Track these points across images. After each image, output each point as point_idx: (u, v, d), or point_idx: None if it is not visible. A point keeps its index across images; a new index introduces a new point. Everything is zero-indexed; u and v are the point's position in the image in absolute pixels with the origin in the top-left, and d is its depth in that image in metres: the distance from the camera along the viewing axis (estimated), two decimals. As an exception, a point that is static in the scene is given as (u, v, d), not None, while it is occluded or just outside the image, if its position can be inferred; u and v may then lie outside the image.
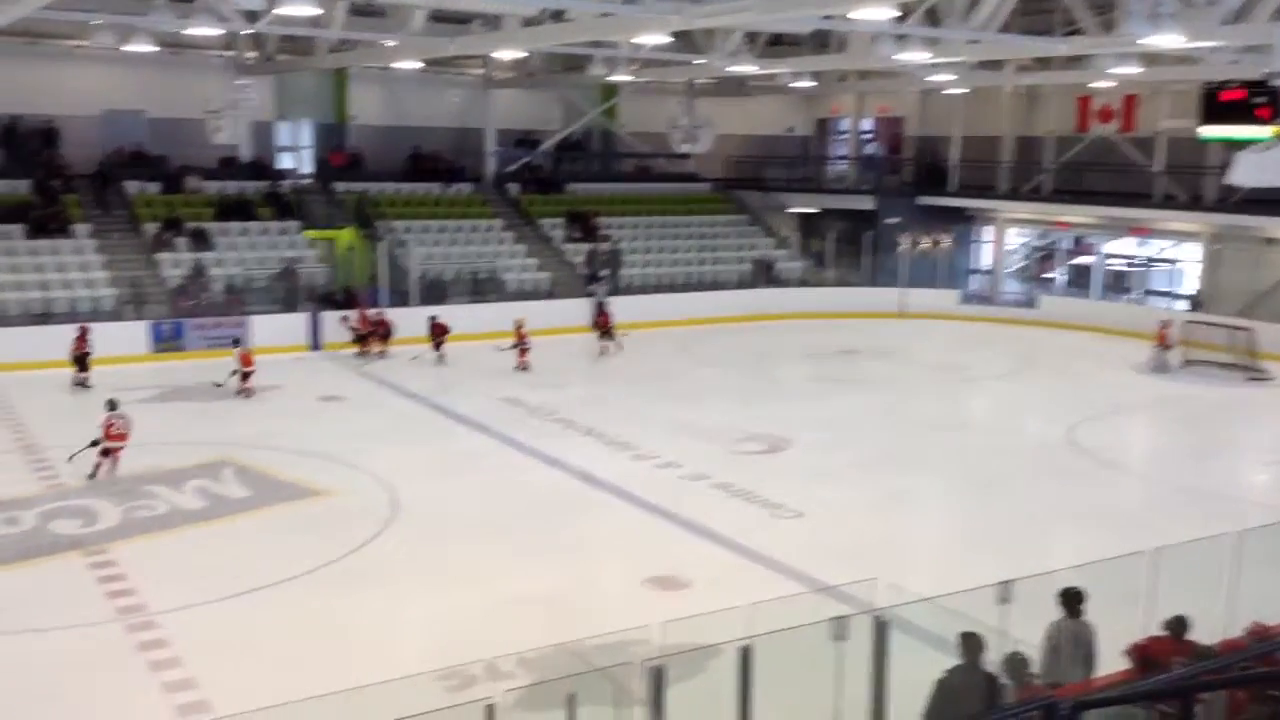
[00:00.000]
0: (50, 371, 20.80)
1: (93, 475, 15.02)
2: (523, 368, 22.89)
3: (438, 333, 23.87)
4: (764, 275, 31.89)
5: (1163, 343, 24.55)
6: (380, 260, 26.74)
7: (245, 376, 20.13)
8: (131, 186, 27.66)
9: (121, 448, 15.27)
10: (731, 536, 13.35)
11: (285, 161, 32.59)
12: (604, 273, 29.00)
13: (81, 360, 20.64)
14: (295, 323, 24.80)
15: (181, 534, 13.34)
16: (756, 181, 36.37)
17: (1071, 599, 7.78)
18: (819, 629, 6.78)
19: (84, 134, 28.52)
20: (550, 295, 28.64)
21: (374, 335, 24.53)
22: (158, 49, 23.48)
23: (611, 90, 35.09)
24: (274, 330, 24.20)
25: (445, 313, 24.88)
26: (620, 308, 27.77)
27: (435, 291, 27.23)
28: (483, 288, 28.26)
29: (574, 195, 33.33)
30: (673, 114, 31.18)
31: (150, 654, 10.11)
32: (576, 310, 27.51)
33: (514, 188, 32.83)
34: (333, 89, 33.00)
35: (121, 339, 22.72)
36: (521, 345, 23.08)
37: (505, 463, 16.70)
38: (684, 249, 32.25)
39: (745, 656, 6.85)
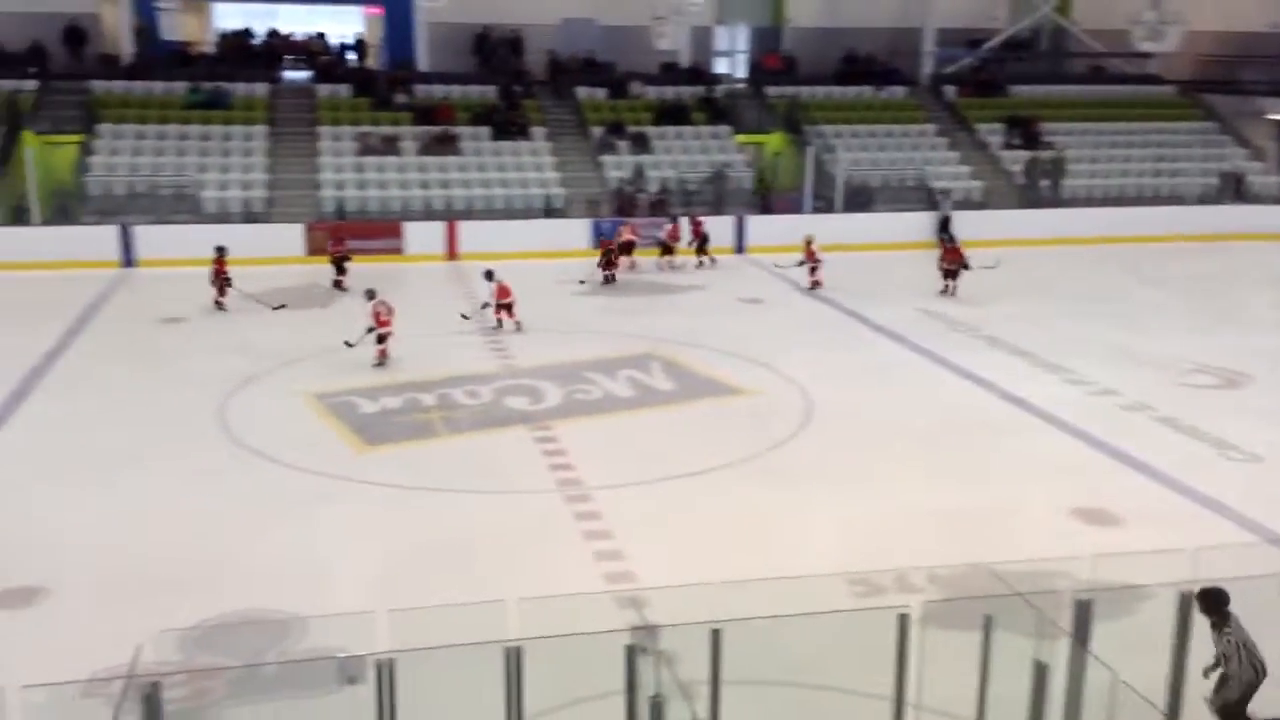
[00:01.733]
0: (503, 262, 22.91)
1: (379, 363, 16.01)
2: (815, 285, 21.59)
3: (698, 235, 23.43)
4: (1232, 190, 28.47)
5: None
6: (806, 166, 26.77)
7: (504, 309, 18.29)
8: (581, 92, 29.51)
9: (390, 332, 16.13)
10: (1172, 474, 12.24)
11: (721, 66, 33.31)
12: (947, 190, 26.81)
13: (339, 262, 21.14)
14: (722, 225, 25.47)
15: (614, 419, 14.32)
16: (1229, 84, 32.27)
17: None
18: (1270, 583, 6.05)
19: (543, 42, 30.78)
20: (982, 205, 27.36)
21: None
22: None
23: (1067, -17, 32.46)
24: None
25: (869, 220, 24.54)
26: (1060, 221, 26.08)
27: (860, 198, 26.90)
28: (909, 196, 27.51)
29: (1016, 99, 31.39)
30: (1136, 8, 28.30)
31: (585, 524, 11.00)
32: (1011, 221, 26.12)
33: (950, 90, 31.46)
34: (771, -9, 33.16)
35: (565, 235, 24.54)
36: (812, 263, 21.58)
37: (923, 375, 16.33)
38: (1138, 159, 29.48)
39: (1184, 603, 6.29)
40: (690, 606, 7.19)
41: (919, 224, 26.12)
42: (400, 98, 27.90)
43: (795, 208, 26.64)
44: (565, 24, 31.41)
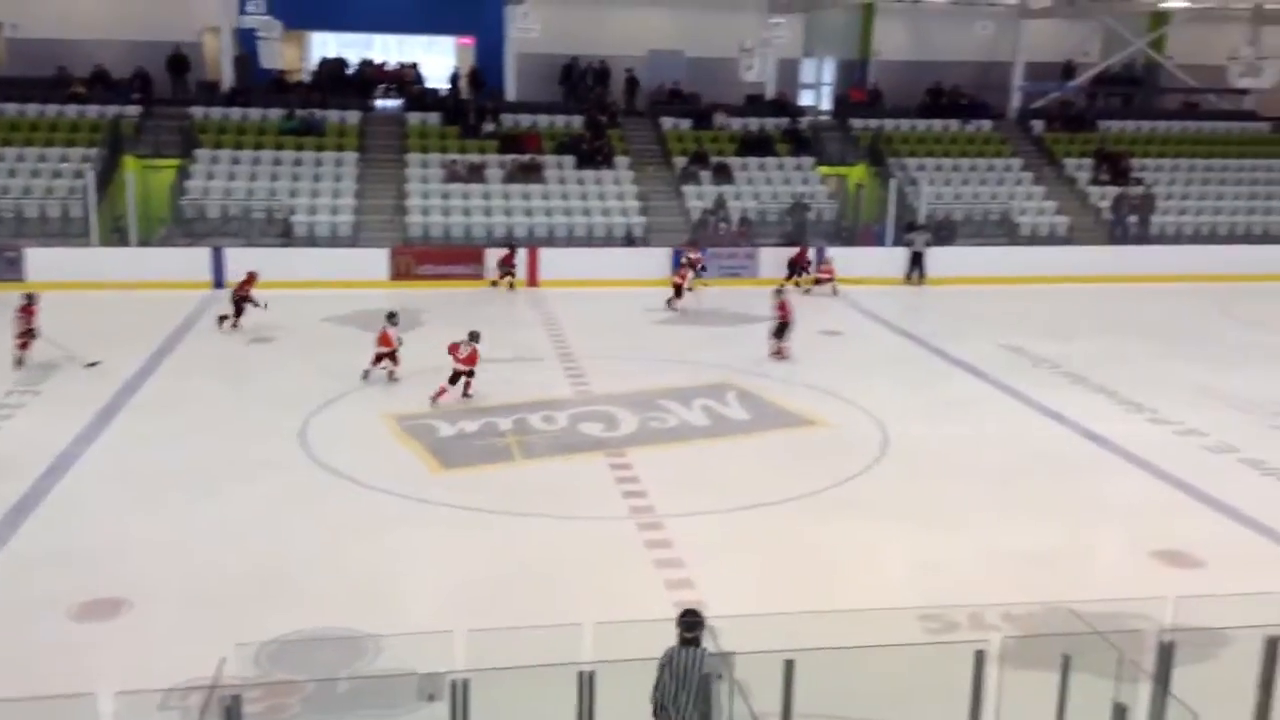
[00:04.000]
0: (586, 290, 23.14)
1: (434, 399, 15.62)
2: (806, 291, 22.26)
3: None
4: (1328, 229, 27.67)
5: None
6: (889, 198, 26.63)
7: (388, 357, 16.84)
8: (666, 122, 29.78)
9: (467, 370, 15.81)
10: (1259, 518, 11.91)
11: (806, 98, 33.36)
12: (922, 223, 26.34)
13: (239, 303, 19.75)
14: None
15: (688, 447, 14.36)
16: (1331, 120, 31.46)
17: None
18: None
19: (632, 74, 31.16)
20: (1067, 241, 26.95)
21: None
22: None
23: (1162, 18, 31.98)
24: (781, 263, 25.05)
25: (950, 254, 24.32)
26: (1148, 258, 25.61)
27: (943, 232, 26.66)
28: (992, 230, 27.20)
29: (1106, 133, 30.90)
30: (1233, 44, 27.75)
31: (656, 552, 11.04)
32: (1096, 258, 25.68)
33: (1038, 125, 31.09)
34: (859, 24, 33.16)
35: (646, 264, 24.72)
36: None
37: (1004, 412, 16.11)
38: (1231, 196, 28.80)
39: (1272, 648, 6.13)
40: (762, 636, 7.18)
41: (1002, 258, 25.78)
42: (488, 126, 28.43)
43: (877, 240, 26.50)
44: (652, 55, 31.77)
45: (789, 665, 5.99)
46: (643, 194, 27.17)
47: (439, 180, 26.70)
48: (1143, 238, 27.16)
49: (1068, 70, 32.94)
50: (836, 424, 15.25)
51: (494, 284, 23.94)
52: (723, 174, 27.74)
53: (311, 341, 19.47)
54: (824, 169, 28.63)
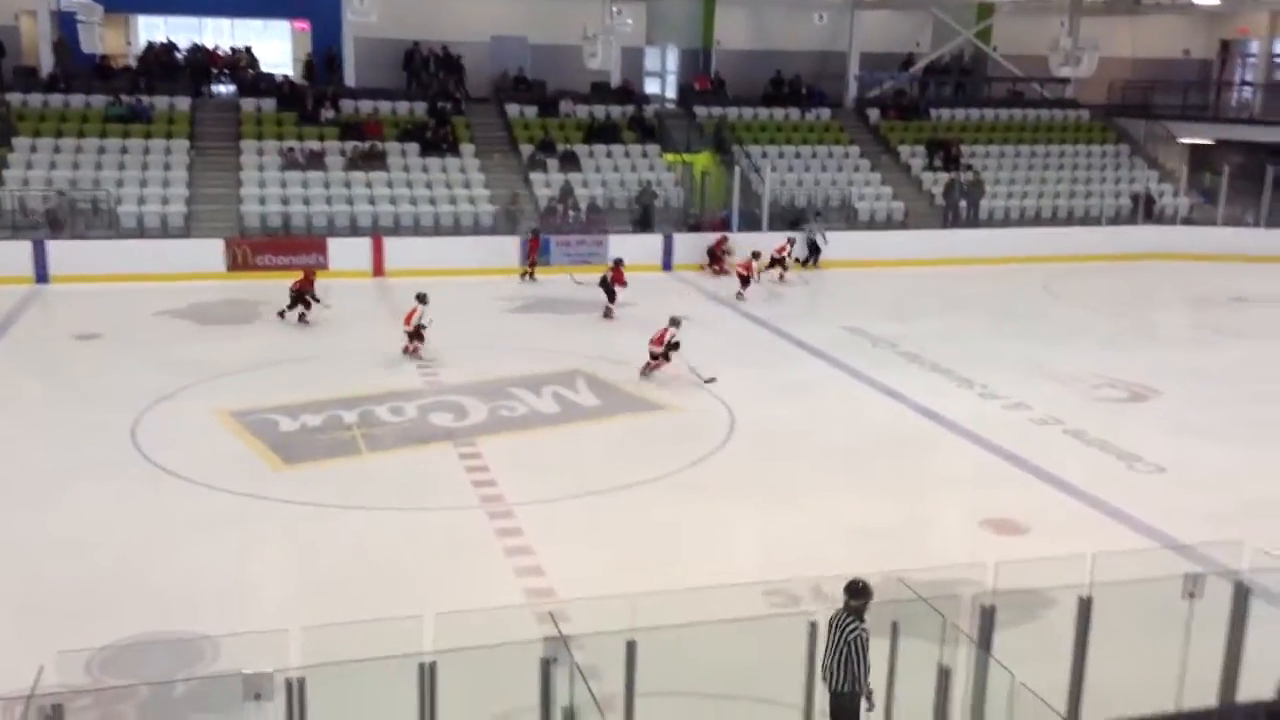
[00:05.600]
0: (433, 279, 22.80)
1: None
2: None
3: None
4: (1144, 211, 29.35)
5: None
6: (733, 185, 27.07)
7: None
8: (512, 109, 29.55)
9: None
10: (1080, 486, 12.60)
11: (652, 86, 33.58)
12: (819, 213, 27.39)
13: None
14: (650, 243, 25.65)
15: (538, 435, 14.34)
16: (1143, 109, 33.37)
17: None
18: (1168, 585, 6.29)
19: (473, 59, 30.78)
20: (903, 225, 27.91)
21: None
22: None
23: (988, 9, 33.29)
24: (629, 250, 25.12)
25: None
26: (978, 241, 26.73)
27: (787, 217, 27.25)
28: (833, 216, 27.95)
29: (937, 122, 32.09)
30: (1054, 35, 29.10)
31: (506, 540, 11.00)
32: (930, 241, 26.67)
33: (874, 114, 32.06)
34: (701, 13, 33.52)
35: (497, 252, 24.52)
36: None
37: (845, 392, 16.60)
38: (1054, 181, 30.28)
39: (1085, 607, 6.50)
40: (609, 619, 7.24)
41: (845, 243, 26.52)
42: (327, 113, 27.70)
43: (724, 226, 26.91)
44: (495, 41, 31.45)
45: (631, 646, 6.05)
46: (490, 181, 26.92)
47: (276, 168, 25.89)
48: (973, 221, 28.32)
49: (908, 62, 34.04)
50: (685, 408, 15.45)
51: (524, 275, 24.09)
52: (570, 162, 27.71)
53: (143, 337, 18.65)
54: (670, 156, 28.90)
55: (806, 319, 20.89)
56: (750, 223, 26.91)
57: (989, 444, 14.07)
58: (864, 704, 6.92)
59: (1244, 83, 35.29)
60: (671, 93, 33.78)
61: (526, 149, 27.97)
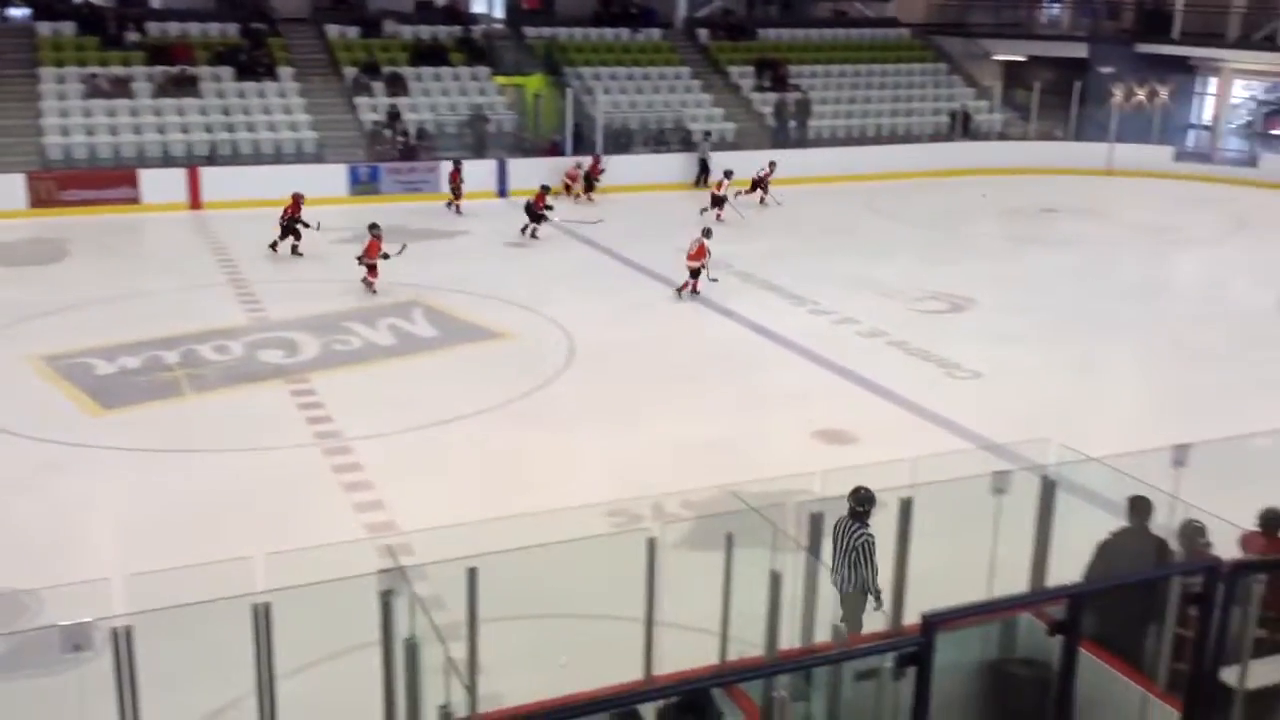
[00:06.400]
0: (255, 210, 21.96)
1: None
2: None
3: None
4: (962, 128, 30.42)
5: None
6: (566, 108, 26.79)
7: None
8: (332, 30, 28.39)
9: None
10: (905, 394, 13.18)
11: (479, 5, 32.76)
12: (708, 134, 27.83)
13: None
14: (484, 169, 25.22)
15: (374, 368, 14.09)
16: (959, 27, 34.40)
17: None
18: (981, 483, 6.67)
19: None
20: (736, 146, 28.19)
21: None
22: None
23: (810, -70, 33.57)
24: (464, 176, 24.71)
25: (628, 162, 24.93)
26: (807, 160, 27.21)
27: (620, 140, 27.18)
28: (668, 137, 28.02)
29: (765, 42, 32.35)
30: (873, -46, 29.66)
31: (345, 476, 10.84)
32: (762, 161, 27.02)
33: (704, 34, 32.10)
34: (525, -69, 32.74)
35: (322, 181, 23.68)
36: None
37: (681, 313, 16.82)
38: (877, 100, 31.02)
39: (905, 508, 6.83)
40: (452, 549, 7.23)
41: (678, 165, 26.68)
42: (131, 36, 26.03)
43: (558, 151, 26.66)
44: (310, -41, 30.07)
45: (472, 573, 6.06)
46: (311, 106, 25.90)
47: (79, 96, 24.28)
48: (802, 141, 28.84)
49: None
50: (524, 335, 15.40)
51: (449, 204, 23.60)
52: (397, 85, 26.88)
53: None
54: (501, 79, 28.34)
55: (642, 242, 20.98)
56: (584, 146, 26.71)
57: (819, 358, 14.53)
58: (871, 603, 7.45)
59: (1053, 0, 36.72)
60: (500, 12, 33.04)
61: (350, 72, 26.98)
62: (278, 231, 19.30)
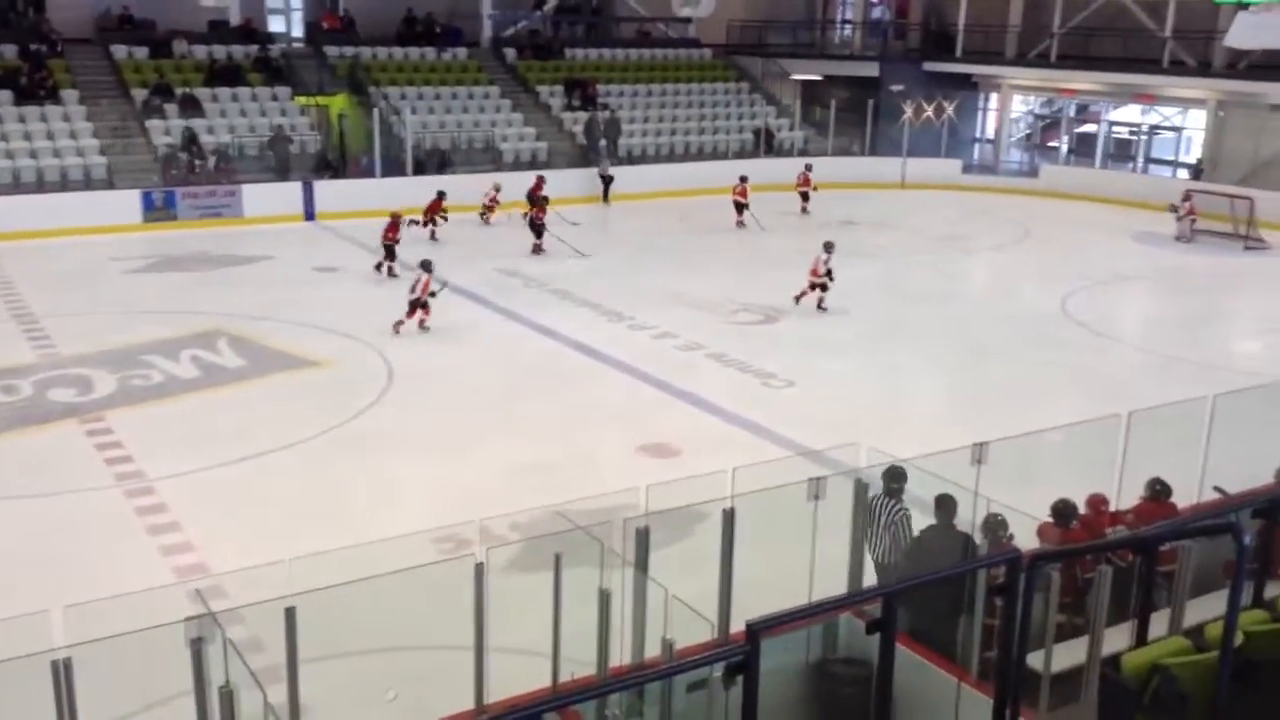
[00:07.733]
0: (41, 241, 20.70)
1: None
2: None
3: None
4: (765, 145, 31.38)
5: (1190, 213, 24.25)
6: (374, 128, 26.28)
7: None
8: (119, 51, 27.04)
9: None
10: (724, 406, 13.45)
11: (276, 25, 31.82)
12: (602, 143, 28.48)
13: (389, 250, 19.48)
14: (288, 192, 24.48)
15: (178, 402, 13.44)
16: (758, 48, 35.54)
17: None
18: (799, 490, 6.86)
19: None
20: (548, 165, 28.24)
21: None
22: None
23: (612, -49, 34.04)
24: (266, 199, 23.95)
25: (444, 183, 24.59)
26: (620, 178, 27.54)
27: (433, 161, 26.82)
28: (479, 157, 27.85)
29: (573, 61, 32.59)
30: (674, -24, 30.31)
31: (148, 518, 10.28)
32: (575, 180, 27.17)
33: (511, 53, 32.09)
34: (323, -52, 32.01)
35: (113, 208, 22.51)
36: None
37: (501, 333, 16.73)
38: (684, 118, 31.68)
39: (728, 518, 6.96)
40: (268, 589, 6.95)
41: (491, 185, 26.50)
42: (-109, 57, 24.15)
43: (367, 172, 26.12)
44: (94, -24, 28.55)
45: (290, 613, 5.84)
46: (99, 130, 24.57)
47: None
48: (613, 159, 29.12)
49: (539, 1, 34.21)
50: (339, 362, 15.00)
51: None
52: (191, 106, 25.79)
53: None
54: (302, 99, 27.57)
55: (459, 263, 20.73)
56: (394, 167, 26.25)
57: (640, 373, 14.69)
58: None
59: (844, 21, 38.34)
60: (299, 31, 32.16)
61: (139, 94, 25.73)
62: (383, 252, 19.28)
